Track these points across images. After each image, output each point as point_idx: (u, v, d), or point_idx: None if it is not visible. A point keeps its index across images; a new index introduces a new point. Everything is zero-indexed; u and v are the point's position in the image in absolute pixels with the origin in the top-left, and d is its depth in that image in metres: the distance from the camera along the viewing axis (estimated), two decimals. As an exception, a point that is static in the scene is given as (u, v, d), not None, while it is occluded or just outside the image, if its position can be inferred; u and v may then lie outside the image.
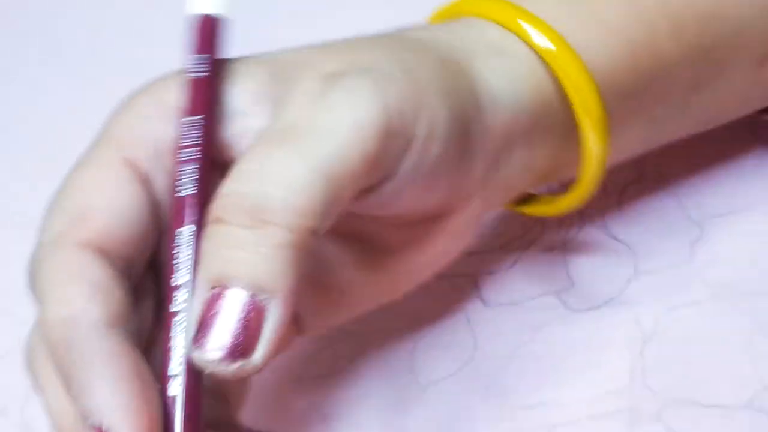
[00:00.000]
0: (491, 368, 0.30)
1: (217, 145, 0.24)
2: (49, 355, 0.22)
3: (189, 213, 0.23)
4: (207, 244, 0.22)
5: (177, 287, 0.22)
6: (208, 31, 0.25)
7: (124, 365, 0.21)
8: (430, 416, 0.30)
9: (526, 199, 0.30)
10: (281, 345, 0.25)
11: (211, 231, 0.22)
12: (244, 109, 0.24)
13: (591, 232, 0.33)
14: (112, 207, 0.23)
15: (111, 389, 0.21)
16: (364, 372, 0.31)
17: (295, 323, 0.27)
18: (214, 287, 0.21)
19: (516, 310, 0.32)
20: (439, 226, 0.27)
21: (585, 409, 0.29)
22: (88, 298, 0.22)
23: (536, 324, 0.31)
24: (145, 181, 0.24)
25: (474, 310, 0.32)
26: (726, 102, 0.31)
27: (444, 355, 0.31)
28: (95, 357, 0.21)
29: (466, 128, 0.25)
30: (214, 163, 0.24)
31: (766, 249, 0.32)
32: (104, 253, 0.23)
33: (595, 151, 0.27)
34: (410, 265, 0.28)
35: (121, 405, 0.21)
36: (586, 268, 0.32)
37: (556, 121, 0.27)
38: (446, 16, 0.29)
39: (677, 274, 0.31)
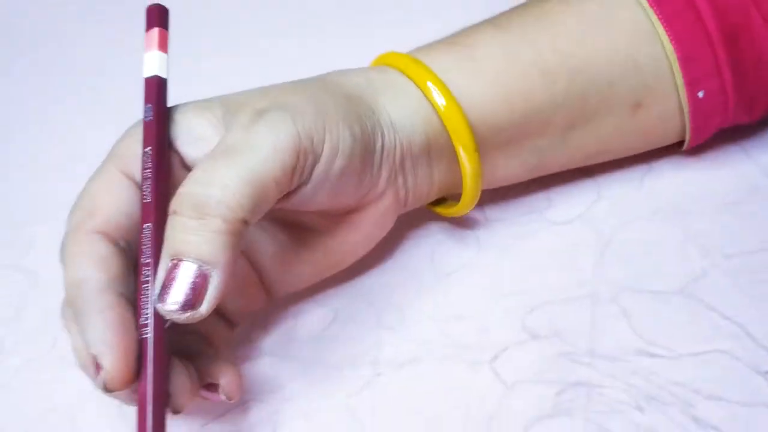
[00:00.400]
0: (491, 264, 0.34)
1: (189, 161, 0.28)
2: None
3: (148, 214, 0.26)
4: (168, 230, 0.25)
5: (145, 264, 0.26)
6: (155, 88, 0.29)
7: (112, 313, 0.25)
8: (448, 299, 0.33)
9: (440, 201, 0.34)
10: (252, 306, 0.31)
11: (170, 221, 0.25)
12: (207, 135, 0.28)
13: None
14: (112, 204, 0.27)
15: (101, 329, 0.25)
16: (400, 265, 0.35)
17: (265, 290, 0.32)
18: (172, 260, 0.25)
19: (509, 223, 0.35)
20: (360, 215, 0.31)
21: (558, 294, 0.32)
22: (92, 266, 0.26)
23: (524, 233, 0.35)
24: (138, 186, 0.27)
25: (479, 224, 0.35)
26: (605, 140, 0.33)
27: (456, 254, 0.35)
28: (92, 307, 0.25)
29: (369, 146, 0.29)
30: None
31: (694, 181, 0.35)
32: (108, 237, 0.26)
33: (469, 172, 0.31)
34: (343, 246, 0.32)
35: (106, 340, 0.24)
36: (563, 193, 0.36)
37: (445, 148, 0.31)
38: (376, 64, 0.33)
39: (630, 197, 0.35)
